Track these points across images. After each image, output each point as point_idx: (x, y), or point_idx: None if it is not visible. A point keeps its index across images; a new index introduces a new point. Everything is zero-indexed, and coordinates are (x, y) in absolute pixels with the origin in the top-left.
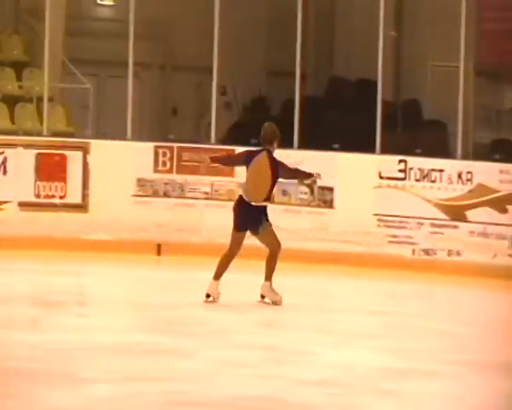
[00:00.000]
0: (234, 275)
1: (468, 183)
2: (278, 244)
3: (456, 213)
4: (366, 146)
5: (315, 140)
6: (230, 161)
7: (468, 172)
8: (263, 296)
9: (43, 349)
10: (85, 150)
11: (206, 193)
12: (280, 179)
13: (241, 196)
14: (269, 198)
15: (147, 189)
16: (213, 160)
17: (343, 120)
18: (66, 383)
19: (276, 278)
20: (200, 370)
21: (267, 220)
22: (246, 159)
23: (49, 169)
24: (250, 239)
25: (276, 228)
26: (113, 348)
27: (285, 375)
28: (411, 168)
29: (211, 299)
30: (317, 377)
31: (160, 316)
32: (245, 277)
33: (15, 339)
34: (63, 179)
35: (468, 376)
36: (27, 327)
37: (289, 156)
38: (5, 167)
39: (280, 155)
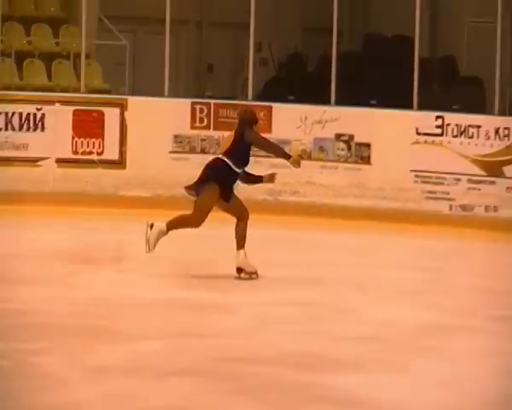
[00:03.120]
0: (269, 231)
1: (506, 138)
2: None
3: (493, 168)
4: (403, 102)
5: (352, 96)
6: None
7: (506, 128)
8: (240, 270)
9: (85, 306)
10: (122, 107)
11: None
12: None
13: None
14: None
15: (184, 145)
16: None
17: (380, 77)
18: (109, 339)
19: (313, 233)
20: (242, 326)
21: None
22: None
23: (87, 126)
24: (286, 196)
25: (312, 184)
26: (154, 305)
27: (326, 331)
28: (448, 124)
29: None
30: (358, 334)
31: (201, 272)
32: (279, 233)
33: (56, 296)
34: (100, 136)
35: (510, 331)
36: (67, 284)
37: (326, 113)
38: (43, 124)
39: (317, 111)
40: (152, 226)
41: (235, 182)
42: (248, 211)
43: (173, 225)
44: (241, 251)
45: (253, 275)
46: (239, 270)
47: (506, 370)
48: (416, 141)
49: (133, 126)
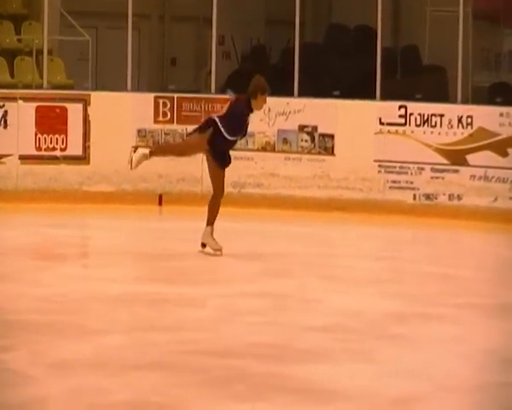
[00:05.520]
0: (234, 224)
1: (469, 127)
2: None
3: (456, 157)
4: (366, 93)
5: (315, 88)
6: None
7: (469, 117)
8: (204, 245)
9: (50, 301)
10: (85, 102)
11: None
12: None
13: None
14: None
15: (147, 139)
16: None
17: (343, 67)
18: (75, 334)
19: (278, 225)
20: (207, 319)
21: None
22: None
23: (50, 122)
24: (250, 188)
25: (277, 176)
26: (119, 299)
27: (293, 322)
28: (411, 114)
29: (207, 249)
30: (325, 324)
31: (165, 266)
32: (244, 225)
33: (21, 292)
34: (64, 132)
35: (473, 318)
36: (32, 280)
37: (290, 104)
38: (6, 121)
39: (280, 103)
40: (136, 150)
41: (223, 147)
42: (223, 190)
43: (158, 151)
44: (208, 227)
45: (217, 252)
46: (202, 245)
47: (470, 356)
48: (379, 131)
49: (96, 121)
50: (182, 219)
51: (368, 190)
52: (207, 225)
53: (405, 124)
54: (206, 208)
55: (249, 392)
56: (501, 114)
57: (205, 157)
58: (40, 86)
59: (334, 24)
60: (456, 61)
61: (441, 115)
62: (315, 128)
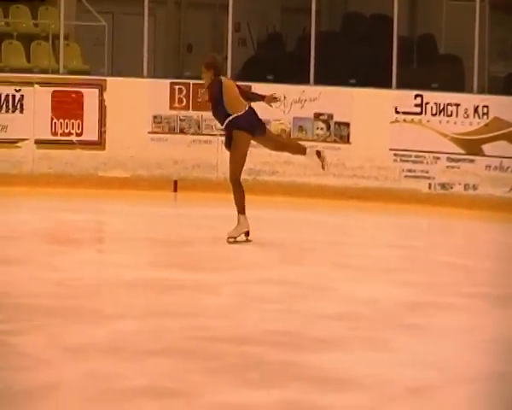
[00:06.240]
0: (249, 211)
1: (485, 117)
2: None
3: (472, 147)
4: (382, 81)
5: (331, 76)
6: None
7: (485, 106)
8: (247, 233)
9: (64, 286)
10: (101, 88)
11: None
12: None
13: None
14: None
15: (163, 125)
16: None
17: (359, 56)
18: (90, 319)
19: (293, 213)
20: (222, 305)
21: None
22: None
23: (66, 107)
24: (265, 176)
25: (292, 164)
26: (134, 284)
27: (307, 310)
28: (427, 103)
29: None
30: (339, 312)
31: (180, 252)
32: (259, 212)
33: (36, 276)
34: (80, 117)
35: (486, 308)
36: (47, 264)
37: (305, 92)
38: (22, 105)
39: (296, 90)
40: (320, 154)
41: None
42: (234, 176)
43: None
44: (240, 216)
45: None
46: (246, 234)
47: (483, 346)
48: (395, 120)
49: (112, 107)
50: (197, 205)
51: (383, 179)
52: (239, 213)
53: (421, 113)
54: (221, 195)
55: (264, 379)
56: None
57: (222, 144)
58: (56, 71)
59: (350, 12)
60: (472, 50)
61: (457, 105)
62: (330, 116)
